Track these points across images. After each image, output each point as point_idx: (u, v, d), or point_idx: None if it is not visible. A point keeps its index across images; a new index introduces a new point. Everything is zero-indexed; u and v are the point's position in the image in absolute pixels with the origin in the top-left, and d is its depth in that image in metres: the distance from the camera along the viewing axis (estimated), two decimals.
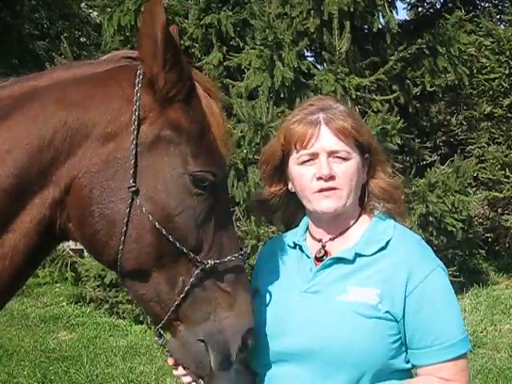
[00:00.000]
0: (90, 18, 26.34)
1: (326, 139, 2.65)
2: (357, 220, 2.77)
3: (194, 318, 2.44)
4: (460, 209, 11.06)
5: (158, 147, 2.35)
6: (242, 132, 10.19)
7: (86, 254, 12.87)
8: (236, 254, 2.49)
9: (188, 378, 2.66)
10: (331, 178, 2.62)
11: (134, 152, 2.31)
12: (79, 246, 12.95)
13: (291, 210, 2.90)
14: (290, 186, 2.80)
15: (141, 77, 2.35)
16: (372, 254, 2.66)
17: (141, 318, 10.71)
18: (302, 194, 2.71)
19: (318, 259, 2.75)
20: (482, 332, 10.32)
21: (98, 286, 11.32)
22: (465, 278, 12.25)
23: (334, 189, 2.63)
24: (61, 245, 11.87)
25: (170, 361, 2.67)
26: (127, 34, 11.50)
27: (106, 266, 2.57)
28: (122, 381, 8.41)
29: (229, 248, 2.49)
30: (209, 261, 2.40)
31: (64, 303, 12.65)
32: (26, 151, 2.30)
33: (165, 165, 2.35)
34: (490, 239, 14.79)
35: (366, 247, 2.68)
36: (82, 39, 26.90)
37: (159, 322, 2.49)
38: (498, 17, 16.42)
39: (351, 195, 2.68)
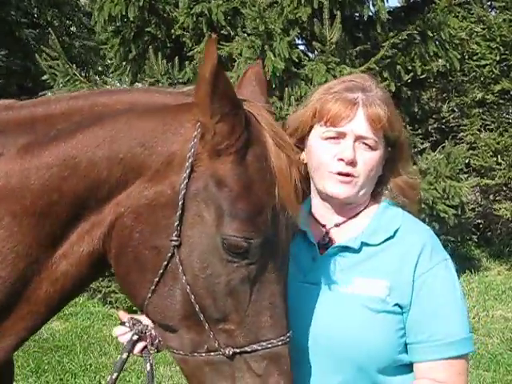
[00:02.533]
0: (81, 5, 26.18)
1: (358, 123, 2.53)
2: (365, 208, 2.66)
3: None
4: (452, 195, 11.07)
5: (200, 200, 2.17)
6: None
7: None
8: (274, 341, 2.22)
9: (126, 337, 2.73)
10: (352, 163, 2.51)
11: (181, 203, 2.16)
12: None
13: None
14: (302, 156, 2.66)
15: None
16: (379, 244, 2.55)
17: (134, 307, 10.71)
18: (317, 170, 2.59)
19: (322, 247, 2.62)
20: (474, 318, 10.35)
21: None
22: (457, 264, 12.07)
23: (351, 175, 2.52)
24: None
25: (118, 330, 2.78)
26: (118, 25, 11.46)
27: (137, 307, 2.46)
28: None
29: (269, 328, 2.22)
30: (227, 350, 2.19)
31: None
32: (83, 184, 2.23)
33: (201, 221, 2.17)
34: (481, 226, 14.83)
35: (373, 236, 2.57)
36: (72, 28, 26.76)
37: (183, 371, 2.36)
38: (488, 3, 16.43)
39: (365, 186, 2.58)
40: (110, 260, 2.34)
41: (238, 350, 2.19)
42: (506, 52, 14.39)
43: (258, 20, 9.91)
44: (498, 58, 14.49)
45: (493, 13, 15.87)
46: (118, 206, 2.24)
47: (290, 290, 2.48)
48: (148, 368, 2.65)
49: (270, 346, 2.19)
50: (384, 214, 2.64)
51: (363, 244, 2.56)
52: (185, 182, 2.15)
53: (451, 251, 12.15)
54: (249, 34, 10.42)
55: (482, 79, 14.85)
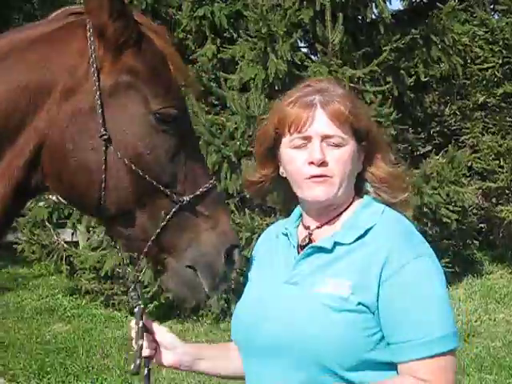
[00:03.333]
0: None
1: (320, 123, 2.52)
2: (347, 208, 2.63)
3: (179, 248, 2.55)
4: (455, 199, 11.08)
5: (119, 93, 2.45)
6: (235, 124, 10.20)
7: (81, 246, 12.88)
8: (207, 184, 2.58)
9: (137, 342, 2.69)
10: (323, 163, 2.49)
11: (99, 102, 2.40)
12: (74, 239, 12.97)
13: (288, 196, 2.77)
14: (281, 170, 2.68)
15: (91, 30, 2.43)
16: (351, 243, 2.52)
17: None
18: (293, 180, 2.60)
19: (303, 248, 2.63)
20: (476, 321, 10.36)
21: (93, 279, 11.33)
22: (459, 267, 12.28)
23: (325, 176, 2.50)
24: (55, 237, 11.88)
25: (132, 322, 2.72)
26: None
27: (89, 214, 2.76)
28: (118, 372, 8.41)
29: (202, 177, 2.59)
30: (185, 197, 2.51)
31: (59, 295, 12.64)
32: None
33: (128, 109, 2.45)
34: (484, 229, 14.80)
35: (346, 235, 2.54)
36: None
37: (149, 259, 2.61)
38: (491, 6, 16.43)
39: (344, 184, 2.54)
40: (49, 183, 2.51)
41: (187, 198, 2.52)
42: (509, 55, 14.37)
43: (260, 22, 9.93)
44: (500, 62, 14.47)
45: (495, 16, 15.87)
46: (37, 130, 2.40)
47: (273, 291, 2.58)
48: (145, 372, 2.74)
49: (205, 188, 2.56)
50: (362, 212, 2.61)
51: (336, 243, 2.54)
52: (96, 84, 2.40)
53: (453, 255, 12.16)
54: (251, 37, 10.44)
55: (484, 82, 14.83)
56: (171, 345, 2.74)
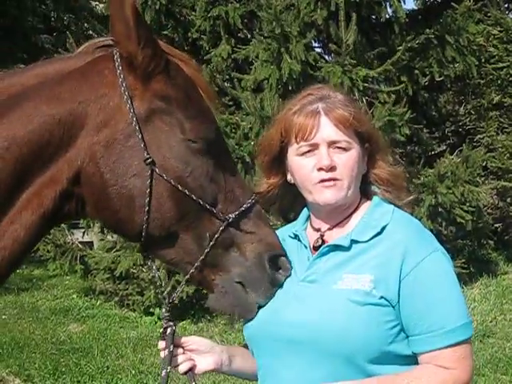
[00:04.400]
0: (97, 10, 26.30)
1: (325, 129, 2.62)
2: (356, 208, 2.74)
3: (226, 266, 2.57)
4: (469, 199, 11.04)
5: (154, 119, 2.48)
6: (249, 125, 10.20)
7: (95, 247, 12.92)
8: (249, 200, 2.62)
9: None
10: (332, 168, 2.60)
11: (137, 127, 2.43)
12: (88, 239, 13.02)
13: (288, 201, 2.89)
14: (289, 177, 2.77)
15: (119, 60, 2.47)
16: (368, 240, 2.63)
17: (150, 310, 10.77)
18: (303, 186, 2.69)
19: (316, 248, 2.72)
20: (491, 322, 10.33)
21: (108, 279, 11.36)
22: (474, 268, 12.25)
23: (334, 179, 2.61)
24: (70, 237, 11.93)
25: (161, 344, 2.69)
26: None
27: (132, 240, 2.72)
28: (133, 372, 8.44)
29: (242, 195, 2.62)
30: (230, 215, 2.54)
31: (74, 296, 12.71)
32: (27, 148, 2.38)
33: (165, 134, 2.48)
34: (499, 229, 14.76)
35: (362, 233, 2.64)
36: (89, 32, 26.88)
37: (195, 280, 2.61)
38: (506, 6, 16.38)
39: (352, 186, 2.65)
40: (89, 213, 2.54)
41: (233, 215, 2.56)
42: None
43: (274, 23, 9.92)
44: None
45: (510, 15, 15.83)
46: (70, 163, 2.42)
47: (290, 290, 2.64)
48: None
49: (248, 204, 2.60)
50: (374, 211, 2.71)
51: (353, 242, 2.64)
52: (132, 111, 2.43)
53: (468, 255, 12.12)
54: (265, 37, 10.44)
55: (499, 82, 14.80)
56: (208, 346, 2.79)
